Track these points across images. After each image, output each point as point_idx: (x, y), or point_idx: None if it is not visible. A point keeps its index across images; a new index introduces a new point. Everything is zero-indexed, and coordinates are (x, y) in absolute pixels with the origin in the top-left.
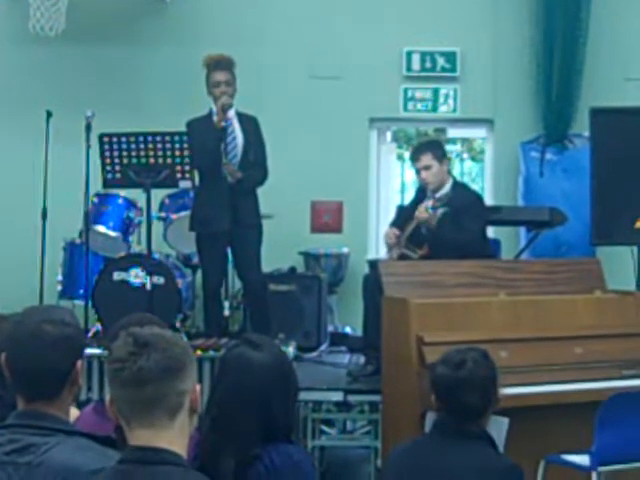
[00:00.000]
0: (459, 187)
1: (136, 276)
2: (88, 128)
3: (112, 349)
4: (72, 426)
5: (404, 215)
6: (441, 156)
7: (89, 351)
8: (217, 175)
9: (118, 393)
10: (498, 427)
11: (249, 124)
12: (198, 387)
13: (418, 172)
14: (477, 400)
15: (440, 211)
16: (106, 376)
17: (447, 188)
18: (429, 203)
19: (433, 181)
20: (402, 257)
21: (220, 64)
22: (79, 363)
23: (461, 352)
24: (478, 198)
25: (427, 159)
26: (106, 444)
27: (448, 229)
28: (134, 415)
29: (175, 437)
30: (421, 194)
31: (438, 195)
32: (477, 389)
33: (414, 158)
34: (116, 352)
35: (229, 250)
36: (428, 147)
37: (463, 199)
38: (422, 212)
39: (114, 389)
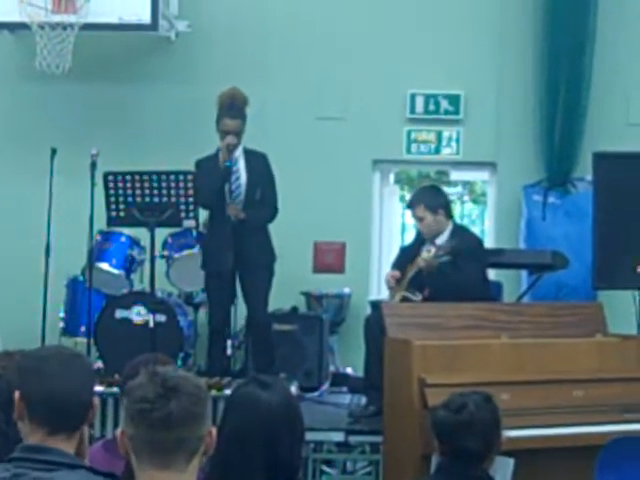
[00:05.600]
0: (459, 232)
1: (138, 314)
2: (93, 166)
3: (133, 387)
4: (76, 459)
5: (405, 256)
6: (435, 206)
7: None
8: (221, 214)
9: (139, 432)
10: (503, 468)
11: (257, 161)
12: (214, 430)
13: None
14: (478, 444)
15: (443, 259)
16: (125, 412)
17: (446, 235)
18: (431, 251)
19: (427, 232)
20: (404, 300)
21: (232, 110)
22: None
23: (463, 396)
24: (478, 241)
25: (420, 211)
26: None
27: (447, 273)
28: (152, 456)
29: (186, 478)
30: (421, 236)
31: (439, 242)
32: (478, 433)
33: (409, 207)
34: (141, 391)
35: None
36: (421, 198)
37: (462, 243)
38: (423, 259)
39: (135, 428)
